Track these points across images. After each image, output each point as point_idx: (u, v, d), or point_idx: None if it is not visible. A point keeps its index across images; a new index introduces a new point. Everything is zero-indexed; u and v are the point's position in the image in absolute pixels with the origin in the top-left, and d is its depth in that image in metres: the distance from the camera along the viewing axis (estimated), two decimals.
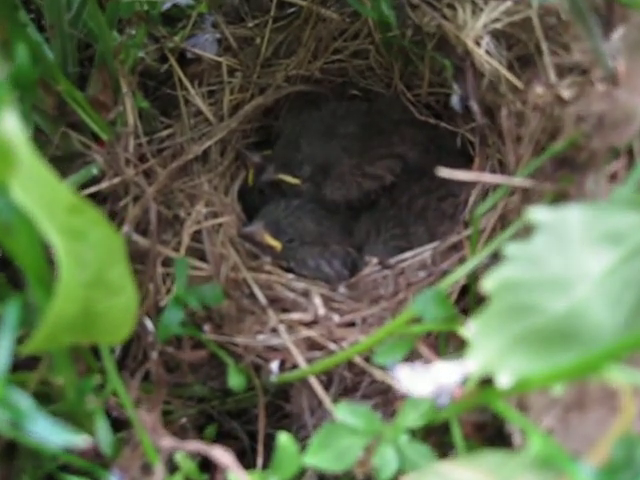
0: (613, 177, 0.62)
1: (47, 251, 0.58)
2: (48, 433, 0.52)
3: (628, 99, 0.59)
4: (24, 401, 0.53)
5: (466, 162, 1.11)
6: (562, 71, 0.76)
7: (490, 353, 0.48)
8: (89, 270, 0.59)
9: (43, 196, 0.54)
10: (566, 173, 0.66)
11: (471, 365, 0.49)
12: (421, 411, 0.63)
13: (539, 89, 0.73)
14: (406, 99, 1.22)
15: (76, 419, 0.74)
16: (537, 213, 0.47)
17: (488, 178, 0.81)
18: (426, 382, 0.54)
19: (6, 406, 0.53)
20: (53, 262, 0.57)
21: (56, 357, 0.70)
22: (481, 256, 0.67)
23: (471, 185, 1.00)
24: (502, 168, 0.95)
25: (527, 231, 0.69)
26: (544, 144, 0.74)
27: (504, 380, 0.48)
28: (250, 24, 1.25)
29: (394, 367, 0.56)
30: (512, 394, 0.54)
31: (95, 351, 0.79)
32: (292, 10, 1.23)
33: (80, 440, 0.53)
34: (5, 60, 0.82)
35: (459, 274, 0.69)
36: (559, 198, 0.66)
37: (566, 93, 0.70)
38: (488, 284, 0.47)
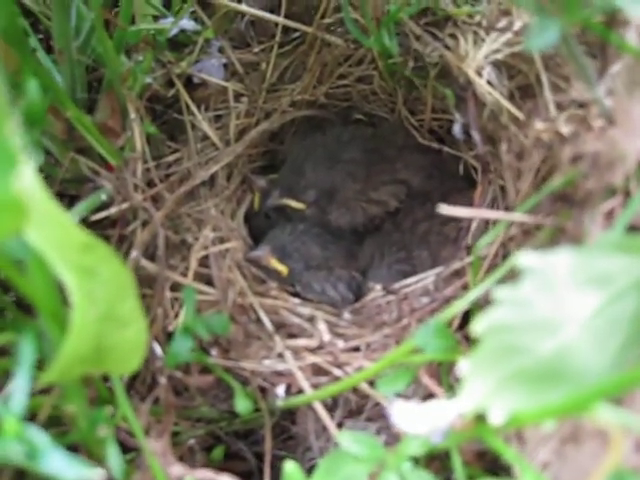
0: (609, 215, 0.64)
1: (59, 287, 0.60)
2: (63, 467, 0.54)
3: (623, 139, 0.61)
4: (40, 437, 0.55)
5: (469, 186, 1.13)
6: (561, 104, 0.78)
7: (483, 391, 0.50)
8: (100, 305, 0.61)
9: (56, 237, 0.56)
10: (564, 209, 0.68)
11: (465, 403, 0.51)
12: (421, 440, 0.65)
13: (539, 124, 0.75)
14: (409, 124, 1.24)
15: (87, 444, 0.76)
16: (525, 258, 0.49)
17: (488, 214, 0.83)
18: (421, 421, 0.55)
19: (22, 441, 0.54)
20: (64, 298, 0.59)
21: (68, 386, 0.71)
22: (481, 288, 0.69)
23: (480, 205, 1.01)
24: (504, 194, 0.96)
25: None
26: (544, 178, 0.76)
27: (496, 417, 0.50)
28: (256, 49, 1.26)
29: (390, 403, 0.58)
30: (505, 430, 0.56)
31: (105, 376, 0.81)
32: (297, 35, 1.24)
33: (94, 474, 0.54)
34: (16, 92, 0.84)
35: (460, 306, 0.70)
36: (557, 233, 0.68)
37: (565, 129, 0.72)
38: (478, 327, 0.49)
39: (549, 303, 0.49)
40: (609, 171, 0.61)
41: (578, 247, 0.57)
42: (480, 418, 0.55)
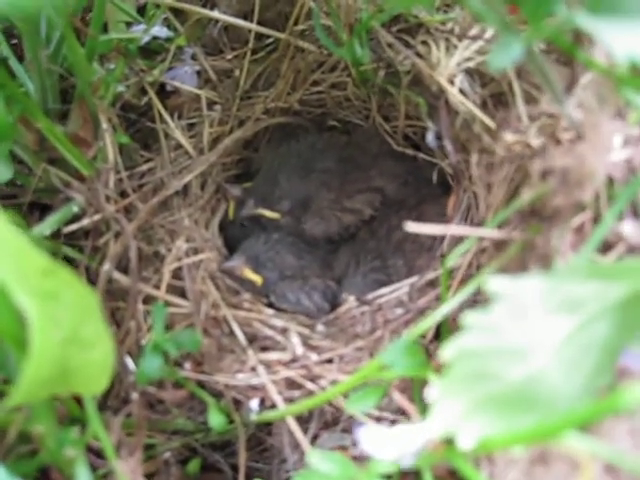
0: (579, 230, 0.63)
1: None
2: None
3: (592, 155, 0.60)
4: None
5: (444, 193, 1.12)
6: (533, 115, 0.77)
7: (451, 416, 0.49)
8: (64, 328, 0.61)
9: (15, 263, 0.56)
10: (534, 223, 0.67)
11: (434, 427, 0.50)
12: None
13: (509, 135, 0.75)
14: (384, 131, 1.23)
15: (56, 464, 0.76)
16: (495, 282, 0.48)
17: (457, 230, 0.82)
18: (390, 445, 0.55)
19: None
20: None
21: (35, 407, 0.71)
22: (452, 302, 0.68)
23: (448, 218, 1.01)
24: (478, 202, 0.95)
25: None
26: (515, 190, 0.75)
27: (465, 442, 0.49)
28: (229, 56, 1.25)
29: (357, 427, 0.57)
30: (474, 455, 0.55)
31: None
32: (270, 42, 1.23)
33: None
34: None
35: (430, 321, 0.70)
36: (527, 247, 0.67)
37: (535, 141, 0.71)
38: (448, 352, 0.48)
39: (519, 329, 0.49)
40: (578, 187, 0.60)
41: (549, 267, 0.57)
42: (450, 441, 0.54)
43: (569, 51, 0.56)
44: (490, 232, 0.72)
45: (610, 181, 0.64)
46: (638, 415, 0.54)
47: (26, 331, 0.61)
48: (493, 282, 0.49)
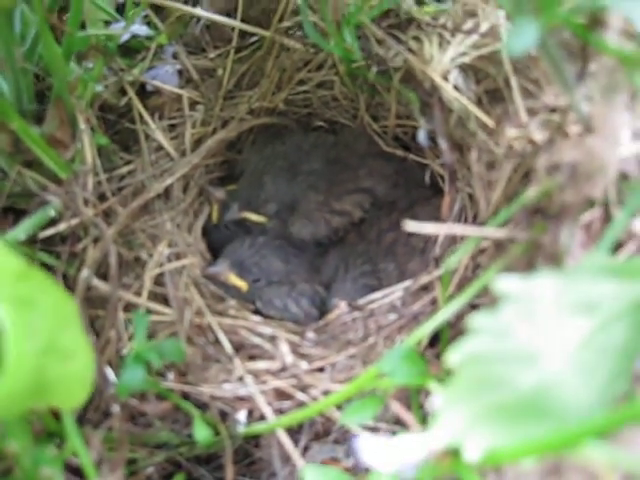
0: (588, 228, 0.61)
1: None
2: None
3: (602, 148, 0.58)
4: None
5: (436, 194, 1.11)
6: (533, 109, 0.75)
7: (457, 426, 0.47)
8: (40, 337, 0.60)
9: None
10: (540, 221, 0.64)
11: (438, 438, 0.47)
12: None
13: (511, 131, 0.72)
14: (373, 131, 1.22)
15: None
16: (505, 282, 0.45)
17: (457, 229, 0.79)
18: (390, 456, 0.51)
19: None
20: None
21: (9, 423, 0.67)
22: (451, 307, 0.65)
23: (441, 219, 0.99)
24: (472, 203, 0.94)
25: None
26: (516, 188, 0.73)
27: (471, 453, 0.46)
28: (212, 55, 1.25)
29: (356, 437, 0.54)
30: (481, 467, 0.52)
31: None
32: (255, 40, 1.23)
33: None
34: None
35: (429, 327, 0.67)
36: (531, 247, 0.64)
37: (538, 136, 0.68)
38: (454, 357, 0.45)
39: (531, 332, 0.46)
40: (588, 183, 0.58)
41: (558, 267, 0.54)
42: (455, 452, 0.51)
43: (582, 35, 0.53)
44: (493, 232, 0.69)
45: (620, 176, 0.61)
46: None
47: None
48: (502, 282, 0.46)
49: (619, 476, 0.49)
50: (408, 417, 0.68)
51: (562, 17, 0.49)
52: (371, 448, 0.52)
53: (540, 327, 0.46)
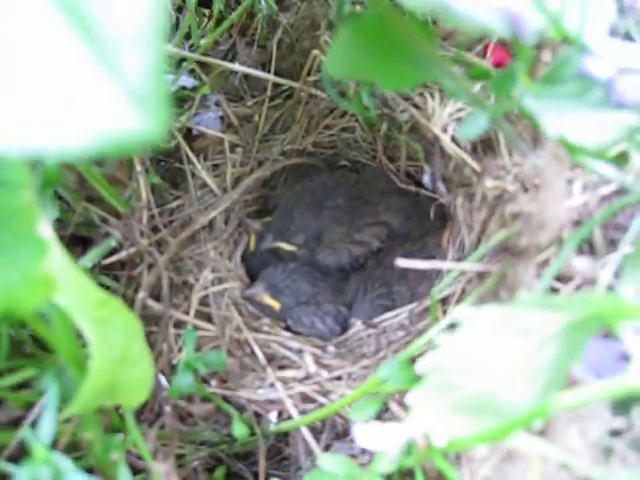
0: (544, 264, 0.75)
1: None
2: None
3: (551, 202, 0.72)
4: (64, 462, 0.66)
5: (443, 226, 1.23)
6: (513, 163, 0.89)
7: (425, 419, 0.60)
8: (115, 349, 0.71)
9: (77, 296, 0.67)
10: (508, 258, 0.79)
11: (411, 427, 0.61)
12: (390, 459, 0.75)
13: (489, 182, 0.86)
14: (389, 169, 1.33)
15: (102, 467, 0.87)
16: (462, 311, 0.60)
17: (441, 265, 0.94)
18: (378, 439, 0.66)
19: (50, 465, 0.66)
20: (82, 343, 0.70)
21: (85, 416, 0.82)
22: (438, 328, 0.80)
23: (448, 248, 1.12)
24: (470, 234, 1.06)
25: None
26: (494, 228, 0.87)
27: (438, 441, 0.60)
28: (249, 103, 1.36)
29: (354, 425, 0.68)
30: (448, 451, 0.67)
31: (117, 406, 0.90)
32: (286, 89, 1.34)
33: None
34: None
35: (421, 342, 0.82)
36: (501, 279, 0.79)
37: (511, 187, 0.83)
38: (422, 366, 0.60)
39: (480, 349, 0.58)
40: (540, 230, 0.72)
41: (508, 301, 0.68)
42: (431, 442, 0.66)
43: (529, 120, 0.68)
44: (470, 266, 0.84)
45: (574, 222, 0.76)
46: (587, 419, 0.65)
47: (80, 350, 0.73)
48: (460, 311, 0.60)
49: (554, 463, 0.64)
50: (403, 414, 0.83)
51: (508, 107, 0.64)
52: (364, 433, 0.67)
53: (488, 346, 0.58)
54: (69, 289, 0.66)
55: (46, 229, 0.53)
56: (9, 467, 0.67)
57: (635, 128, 0.54)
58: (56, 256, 0.61)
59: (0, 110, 0.31)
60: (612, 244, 0.74)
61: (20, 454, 0.74)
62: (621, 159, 0.62)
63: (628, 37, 0.73)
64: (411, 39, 0.58)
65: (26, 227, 0.51)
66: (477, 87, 0.85)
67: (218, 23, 1.39)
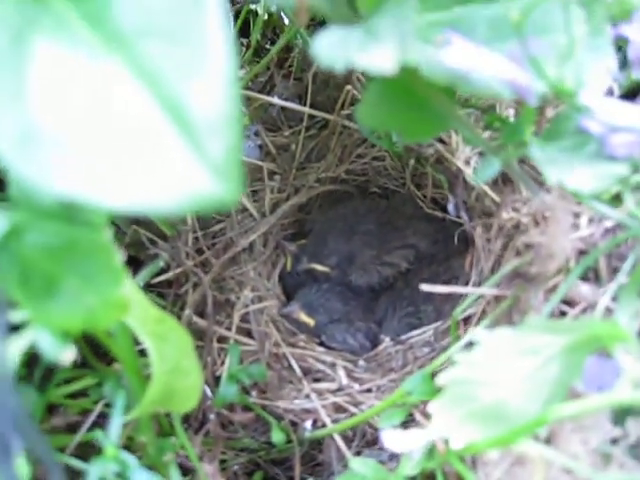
0: (552, 289, 0.83)
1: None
2: None
3: (559, 234, 0.80)
4: (130, 459, 0.75)
5: (467, 249, 1.29)
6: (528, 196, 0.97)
7: (445, 426, 0.68)
8: (170, 362, 0.79)
9: (139, 314, 0.76)
10: (520, 283, 0.87)
11: (432, 433, 0.70)
12: (415, 461, 0.84)
13: (504, 214, 0.95)
14: (416, 196, 1.40)
15: (155, 468, 0.95)
16: (479, 333, 0.68)
17: (459, 289, 1.03)
18: (403, 442, 0.74)
19: (118, 462, 0.75)
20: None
21: (141, 421, 0.91)
22: (457, 346, 0.89)
23: (470, 271, 1.21)
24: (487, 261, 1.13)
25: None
26: (509, 256, 0.96)
27: (456, 445, 0.68)
28: (286, 133, 1.41)
29: (382, 432, 0.76)
30: (464, 455, 0.75)
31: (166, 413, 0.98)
32: (321, 120, 1.40)
33: None
34: None
35: (442, 359, 0.90)
36: (515, 302, 0.88)
37: (525, 219, 0.92)
38: (442, 379, 0.68)
39: (494, 366, 0.65)
40: (549, 260, 0.80)
41: (520, 323, 0.76)
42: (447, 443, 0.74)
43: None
44: (487, 290, 0.92)
45: (580, 252, 0.84)
46: (588, 429, 0.73)
47: (139, 362, 0.83)
48: (477, 332, 0.68)
49: (558, 467, 0.72)
50: (424, 421, 0.91)
51: (519, 154, 0.72)
52: (391, 438, 0.75)
53: (500, 363, 0.65)
54: (133, 308, 0.75)
55: (121, 260, 0.62)
56: (80, 463, 0.77)
57: (625, 177, 0.63)
58: (129, 284, 0.70)
59: (110, 179, 0.41)
60: (615, 272, 0.82)
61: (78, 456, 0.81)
62: (616, 199, 0.70)
63: (632, 90, 0.82)
64: (432, 95, 0.67)
65: (106, 259, 0.60)
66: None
67: (255, 52, 1.47)
